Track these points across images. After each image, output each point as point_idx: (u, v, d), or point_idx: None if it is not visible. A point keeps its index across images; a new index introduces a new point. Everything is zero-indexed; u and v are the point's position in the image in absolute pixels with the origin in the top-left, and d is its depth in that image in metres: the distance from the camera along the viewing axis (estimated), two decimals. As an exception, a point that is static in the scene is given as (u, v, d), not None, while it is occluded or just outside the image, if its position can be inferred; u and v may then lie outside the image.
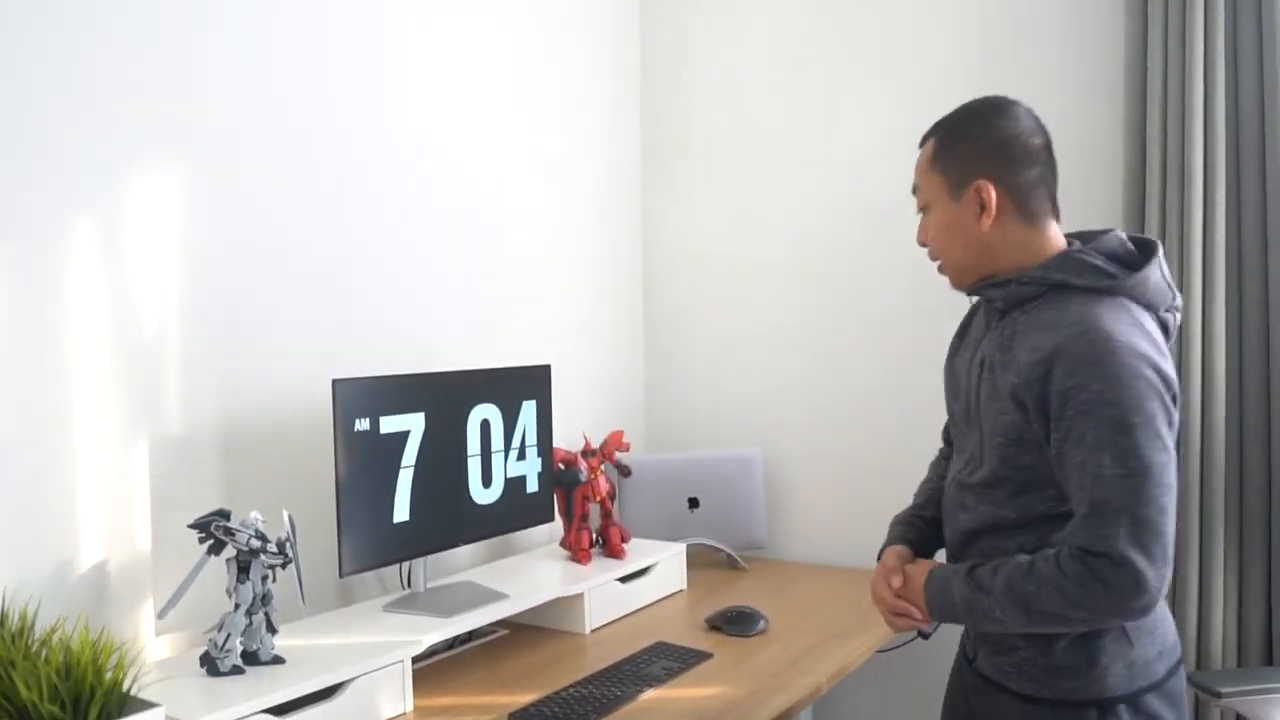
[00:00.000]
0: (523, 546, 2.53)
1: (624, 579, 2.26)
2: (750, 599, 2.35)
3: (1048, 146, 1.40)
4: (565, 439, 2.62)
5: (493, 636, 2.15)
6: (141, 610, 1.72)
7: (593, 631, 2.15)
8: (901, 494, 2.64)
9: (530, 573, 2.22)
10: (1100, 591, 1.26)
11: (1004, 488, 1.39)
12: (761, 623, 2.10)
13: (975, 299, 1.54)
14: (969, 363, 1.46)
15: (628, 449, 2.45)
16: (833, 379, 2.72)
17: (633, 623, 2.20)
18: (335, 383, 1.78)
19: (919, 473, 2.63)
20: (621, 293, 2.96)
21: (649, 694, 1.78)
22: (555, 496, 2.35)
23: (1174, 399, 1.31)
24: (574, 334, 2.76)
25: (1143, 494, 1.25)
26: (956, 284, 1.48)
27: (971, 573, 1.37)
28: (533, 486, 2.22)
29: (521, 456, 2.19)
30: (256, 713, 1.49)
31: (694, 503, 2.67)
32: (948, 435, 1.73)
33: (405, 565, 2.08)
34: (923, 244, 1.48)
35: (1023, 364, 1.33)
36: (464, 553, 2.32)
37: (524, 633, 2.16)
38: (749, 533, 2.69)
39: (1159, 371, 1.29)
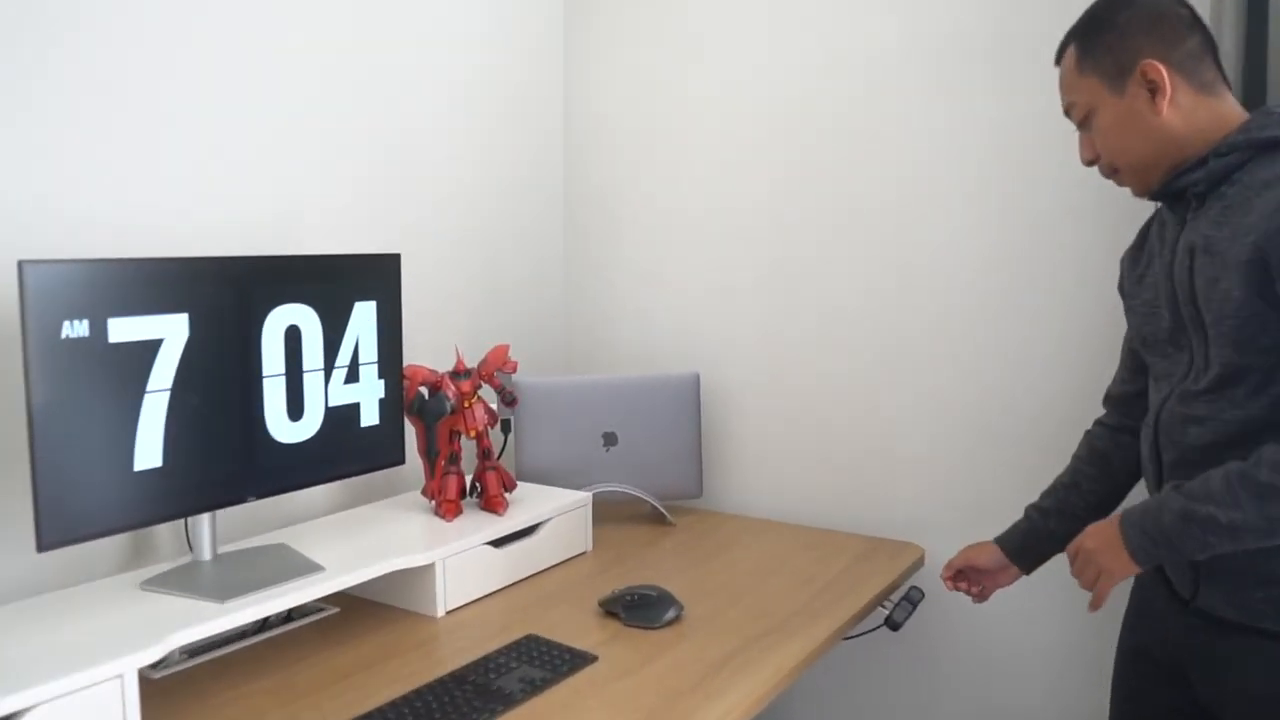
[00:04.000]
0: (382, 493, 1.98)
1: (497, 542, 1.71)
2: (669, 570, 1.80)
3: (1196, 15, 1.31)
4: (435, 356, 2.05)
5: (317, 616, 1.61)
6: None
7: (449, 613, 1.61)
8: (875, 436, 2.10)
9: (374, 531, 1.67)
10: None
11: (1247, 381, 1.24)
12: (672, 610, 1.55)
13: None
14: (1169, 265, 1.32)
15: (514, 369, 1.88)
16: (794, 291, 2.13)
17: (505, 601, 1.66)
18: (23, 265, 1.20)
19: (896, 412, 2.09)
20: (538, 171, 2.35)
21: (489, 724, 1.24)
22: (414, 432, 1.79)
23: None
24: (468, 223, 2.17)
25: None
26: (1143, 188, 1.35)
27: (1178, 487, 1.24)
28: (370, 418, 1.65)
29: (353, 378, 1.61)
30: None
31: (610, 439, 2.11)
32: (1114, 397, 1.57)
33: (189, 523, 1.52)
34: (1091, 161, 1.38)
35: (1254, 224, 1.19)
36: (303, 501, 1.77)
37: (359, 613, 1.62)
38: (679, 478, 2.13)
39: None
